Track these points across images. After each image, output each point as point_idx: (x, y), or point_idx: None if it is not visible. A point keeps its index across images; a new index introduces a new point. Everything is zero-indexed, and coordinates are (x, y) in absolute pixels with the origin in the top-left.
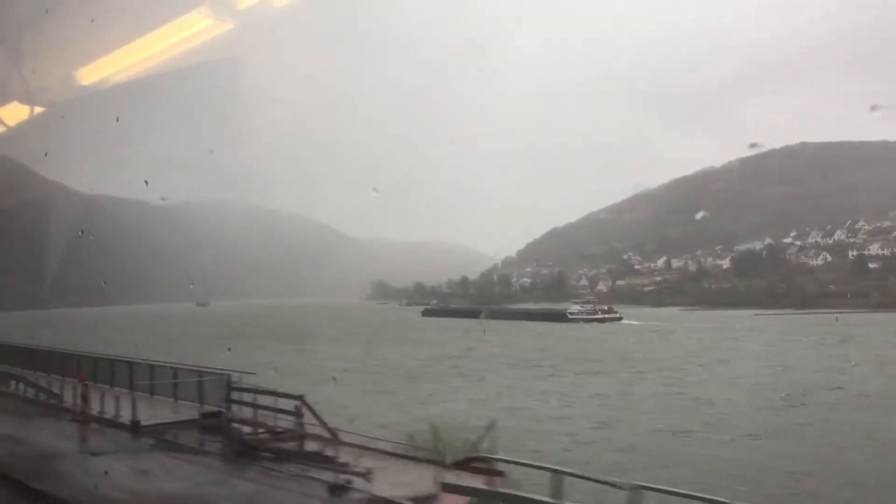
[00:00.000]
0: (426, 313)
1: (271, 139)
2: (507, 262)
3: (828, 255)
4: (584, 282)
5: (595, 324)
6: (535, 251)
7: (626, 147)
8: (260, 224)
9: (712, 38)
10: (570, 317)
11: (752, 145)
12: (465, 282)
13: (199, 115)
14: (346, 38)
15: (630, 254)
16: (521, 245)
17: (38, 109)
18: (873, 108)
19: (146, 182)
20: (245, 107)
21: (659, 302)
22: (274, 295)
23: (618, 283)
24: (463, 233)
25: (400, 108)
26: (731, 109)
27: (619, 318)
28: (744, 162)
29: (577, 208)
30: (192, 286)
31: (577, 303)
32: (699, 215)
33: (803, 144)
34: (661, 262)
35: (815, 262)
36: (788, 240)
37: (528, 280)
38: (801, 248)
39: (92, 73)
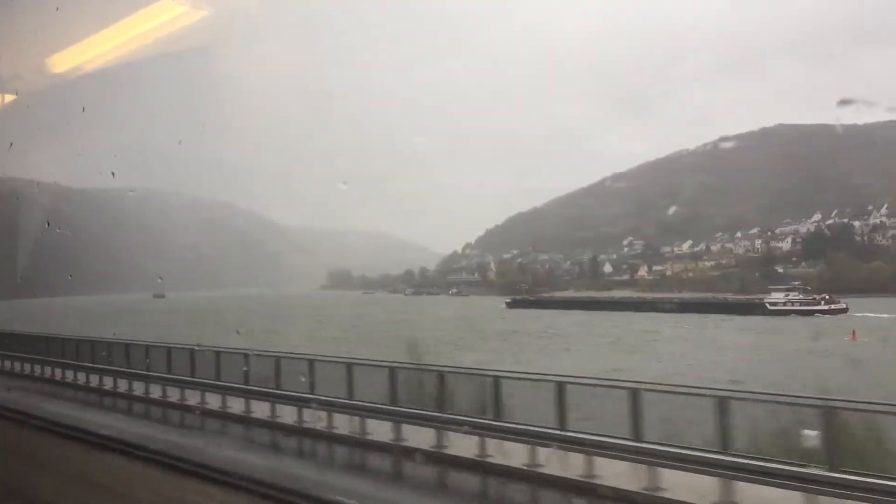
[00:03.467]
0: (513, 304)
1: (240, 129)
2: (468, 249)
3: None
4: (607, 267)
5: (819, 317)
6: (497, 237)
7: (584, 135)
8: (205, 215)
9: (671, 30)
10: (770, 308)
11: (722, 138)
12: (484, 267)
13: (171, 104)
14: (323, 27)
15: (630, 238)
16: (480, 231)
17: (6, 98)
18: (842, 102)
19: (113, 174)
20: (218, 96)
21: (743, 289)
22: (219, 287)
23: (654, 268)
24: (402, 222)
25: (369, 98)
26: (688, 98)
27: (845, 310)
28: (719, 144)
29: (535, 195)
30: (160, 280)
31: (778, 289)
32: (671, 210)
33: (780, 126)
34: (686, 245)
35: (892, 244)
36: (830, 220)
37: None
38: (875, 228)
39: (62, 62)
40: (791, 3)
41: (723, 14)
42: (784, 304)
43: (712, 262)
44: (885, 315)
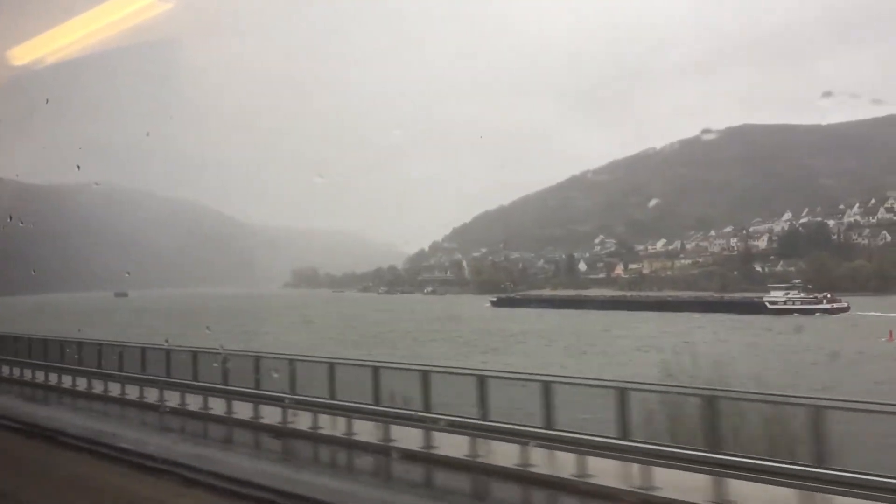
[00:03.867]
0: (498, 303)
1: (207, 123)
2: (435, 248)
3: (887, 235)
4: (582, 265)
5: (819, 315)
6: (465, 236)
7: (552, 133)
8: (169, 211)
9: (643, 32)
10: (770, 307)
11: (705, 131)
12: (458, 266)
13: (137, 98)
14: (296, 21)
15: (601, 237)
16: (447, 230)
17: None
18: (826, 94)
19: (78, 167)
20: (185, 90)
21: (724, 288)
22: (182, 284)
23: (630, 266)
24: (365, 220)
25: (340, 93)
26: (658, 98)
27: (847, 308)
28: (685, 144)
29: (502, 194)
30: (127, 274)
31: (777, 288)
32: (652, 203)
33: (746, 126)
34: (660, 244)
35: (871, 242)
36: (804, 219)
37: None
38: (851, 227)
39: (23, 54)
40: (755, 8)
41: (694, 15)
42: (784, 302)
43: (689, 261)
44: (893, 314)
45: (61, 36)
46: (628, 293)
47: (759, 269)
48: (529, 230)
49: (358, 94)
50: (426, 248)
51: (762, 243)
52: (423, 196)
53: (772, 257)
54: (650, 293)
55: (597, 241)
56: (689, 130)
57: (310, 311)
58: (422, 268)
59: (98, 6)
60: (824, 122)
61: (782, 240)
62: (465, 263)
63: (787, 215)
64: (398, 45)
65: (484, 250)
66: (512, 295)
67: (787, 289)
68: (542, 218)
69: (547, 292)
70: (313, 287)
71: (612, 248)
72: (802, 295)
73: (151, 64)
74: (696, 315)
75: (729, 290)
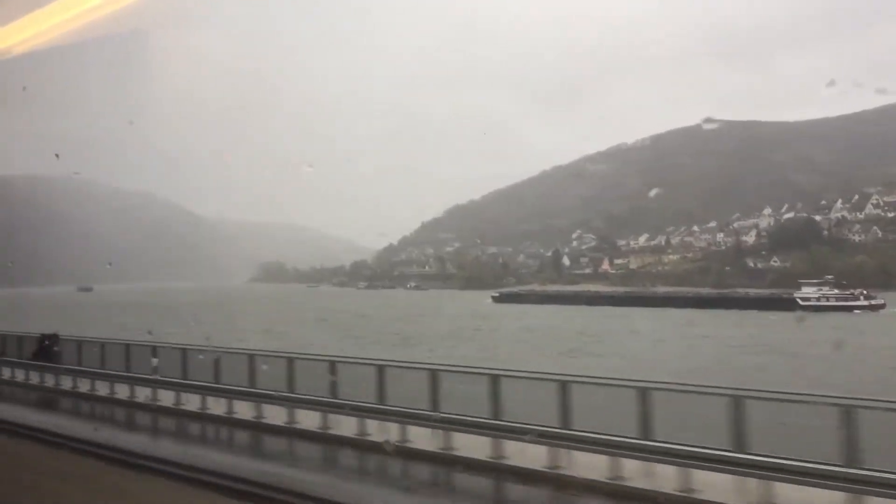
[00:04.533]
0: (501, 299)
1: (172, 116)
2: (406, 242)
3: (878, 231)
4: (565, 260)
5: (862, 313)
6: (435, 230)
7: (513, 129)
8: (128, 206)
9: (592, 27)
10: (802, 303)
11: (707, 120)
12: (441, 260)
13: (103, 90)
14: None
15: (579, 231)
16: (415, 224)
17: None
18: (830, 83)
19: (57, 155)
20: (150, 82)
21: (720, 283)
22: (142, 279)
23: (615, 261)
24: (326, 215)
25: (303, 86)
26: (610, 94)
27: (884, 305)
28: (656, 139)
29: (472, 188)
30: (109, 265)
31: (809, 284)
32: (653, 192)
33: (714, 120)
34: (642, 239)
35: (860, 238)
36: (789, 214)
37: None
38: (839, 223)
39: None
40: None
41: (665, 11)
42: (818, 299)
43: (677, 256)
44: None
45: (22, 29)
46: (646, 289)
47: (751, 264)
48: (505, 225)
49: (325, 88)
50: (395, 243)
51: (750, 238)
52: (390, 190)
53: (763, 252)
54: (669, 289)
55: (574, 235)
56: (659, 126)
57: (307, 309)
58: (393, 262)
59: None
60: (791, 119)
61: (772, 235)
62: (445, 258)
63: (767, 210)
64: (365, 40)
65: (458, 245)
66: (515, 290)
67: (818, 285)
68: (517, 212)
69: (548, 287)
70: (282, 282)
71: (593, 244)
72: (836, 291)
73: (117, 57)
74: (731, 312)
75: (723, 286)
